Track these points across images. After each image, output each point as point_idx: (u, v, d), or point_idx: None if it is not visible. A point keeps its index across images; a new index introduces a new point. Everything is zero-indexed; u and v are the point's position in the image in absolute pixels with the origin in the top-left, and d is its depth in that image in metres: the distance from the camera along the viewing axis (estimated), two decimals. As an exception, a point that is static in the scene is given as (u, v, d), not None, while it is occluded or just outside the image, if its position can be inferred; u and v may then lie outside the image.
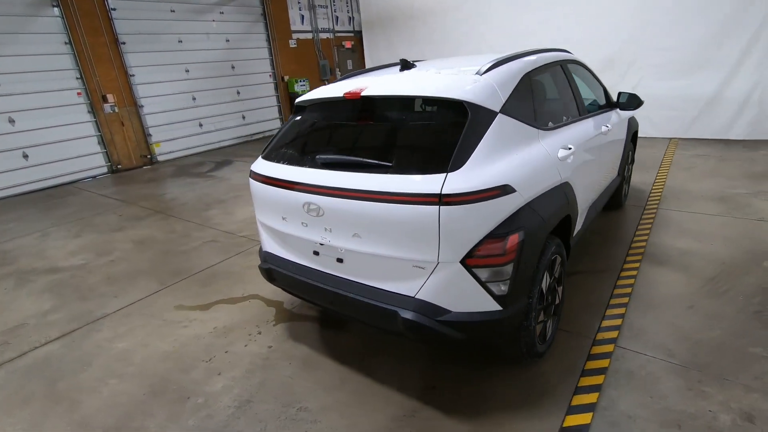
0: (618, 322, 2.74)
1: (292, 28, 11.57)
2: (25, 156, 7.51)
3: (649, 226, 4.10)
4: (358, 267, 2.13)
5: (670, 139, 7.39)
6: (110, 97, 8.42)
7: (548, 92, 2.68)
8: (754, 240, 3.63)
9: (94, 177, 8.33)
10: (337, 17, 12.76)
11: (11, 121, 7.32)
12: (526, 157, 2.08)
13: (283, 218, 2.32)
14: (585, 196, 2.79)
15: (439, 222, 1.78)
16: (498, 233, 1.83)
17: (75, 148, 8.06)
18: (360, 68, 13.54)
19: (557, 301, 2.52)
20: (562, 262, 2.47)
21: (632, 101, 3.46)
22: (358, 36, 13.43)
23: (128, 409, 2.39)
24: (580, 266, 3.45)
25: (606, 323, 2.75)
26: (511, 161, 1.99)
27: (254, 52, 10.84)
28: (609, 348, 2.52)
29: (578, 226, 2.76)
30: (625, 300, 2.97)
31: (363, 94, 2.15)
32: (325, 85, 11.21)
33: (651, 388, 2.22)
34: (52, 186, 7.76)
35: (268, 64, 11.23)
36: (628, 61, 7.34)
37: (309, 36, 12.06)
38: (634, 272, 3.31)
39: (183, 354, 2.83)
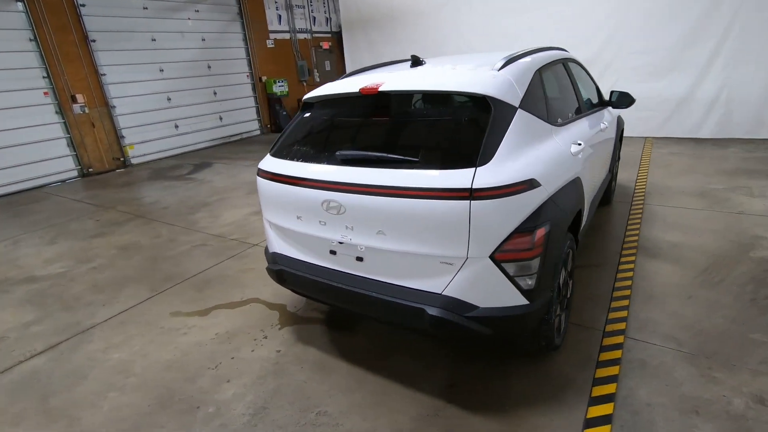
0: (624, 314, 2.81)
1: (270, 27, 11.39)
2: (-12, 159, 7.06)
3: (638, 220, 4.24)
4: (380, 265, 2.09)
5: (645, 138, 7.68)
6: (80, 97, 8.03)
7: (556, 89, 2.72)
8: (737, 232, 3.81)
9: (63, 181, 7.92)
10: (314, 18, 12.65)
11: (-28, 122, 6.87)
12: (545, 152, 2.10)
13: (298, 217, 2.25)
14: (590, 192, 2.85)
15: (470, 217, 1.77)
16: (526, 227, 1.83)
17: (42, 151, 7.63)
18: (337, 69, 13.48)
19: (569, 295, 2.55)
20: (573, 256, 2.50)
21: (624, 99, 3.56)
22: (335, 37, 13.36)
23: (134, 422, 2.26)
24: (578, 261, 3.52)
25: (612, 315, 2.81)
26: (533, 156, 2.00)
27: (231, 52, 10.60)
28: (619, 339, 2.57)
29: (584, 221, 2.81)
30: (627, 292, 3.05)
31: (381, 89, 2.11)
32: (303, 86, 11.00)
33: (665, 376, 2.27)
34: (17, 191, 7.32)
35: (246, 64, 11.00)
36: (605, 63, 7.59)
37: (286, 36, 11.90)
38: (631, 265, 3.41)
39: (186, 362, 2.70)
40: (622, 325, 2.69)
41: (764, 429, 1.92)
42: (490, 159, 1.82)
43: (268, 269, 2.60)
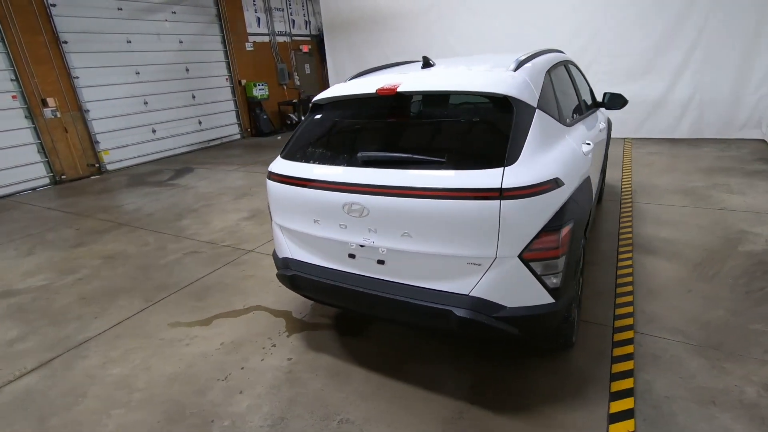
0: (630, 309, 2.87)
1: (249, 30, 11.22)
2: (-48, 167, 6.65)
3: (630, 218, 4.36)
4: (403, 268, 2.06)
5: (624, 138, 7.95)
6: (51, 101, 7.68)
7: (562, 90, 2.77)
8: (723, 227, 3.97)
9: (34, 189, 7.53)
10: (293, 20, 12.54)
11: (-66, 127, 6.46)
12: (563, 152, 2.13)
13: (316, 221, 2.20)
14: (595, 191, 2.91)
15: (500, 216, 1.77)
16: (552, 226, 1.84)
17: (11, 158, 7.24)
18: (317, 72, 13.39)
19: (580, 292, 2.59)
20: (584, 253, 2.54)
21: (617, 101, 3.66)
22: (315, 40, 13.28)
23: (145, 440, 2.15)
24: (578, 259, 3.58)
25: (619, 311, 2.87)
26: (553, 155, 2.02)
27: (209, 55, 10.38)
28: (629, 334, 2.63)
29: (590, 220, 2.86)
30: (630, 288, 3.12)
31: (399, 90, 2.09)
32: (283, 89, 10.87)
33: (678, 369, 2.33)
34: (-15, 200, 6.92)
35: (225, 68, 10.79)
36: (583, 67, 7.79)
37: (266, 39, 11.74)
38: (629, 262, 3.49)
39: (193, 374, 2.59)
40: (629, 321, 2.75)
41: (778, 416, 1.99)
42: (517, 159, 1.83)
43: (279, 275, 2.53)
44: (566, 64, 3.11)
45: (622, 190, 5.23)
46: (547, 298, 1.92)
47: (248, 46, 11.23)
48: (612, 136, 7.99)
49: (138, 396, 2.46)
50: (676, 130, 7.51)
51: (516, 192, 1.75)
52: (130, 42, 8.75)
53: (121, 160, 8.79)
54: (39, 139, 7.59)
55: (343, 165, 2.11)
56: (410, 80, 2.15)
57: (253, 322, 3.09)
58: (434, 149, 2.03)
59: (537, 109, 2.07)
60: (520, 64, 2.28)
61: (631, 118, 7.65)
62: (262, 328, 3.01)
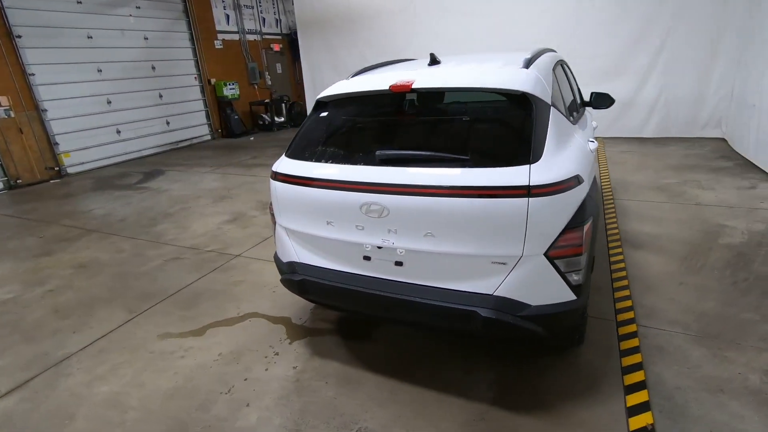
0: (629, 303, 2.94)
1: (217, 28, 10.86)
2: None
3: (614, 214, 4.49)
4: (423, 269, 2.01)
5: (596, 137, 8.22)
6: (3, 100, 7.15)
7: (564, 88, 2.80)
8: (702, 221, 4.16)
9: (-14, 195, 6.97)
10: (263, 18, 12.25)
11: None
12: (575, 149, 2.14)
13: (329, 222, 2.10)
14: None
15: (527, 214, 1.74)
16: (575, 223, 1.84)
17: (-40, 161, 6.68)
18: (289, 72, 13.12)
19: (587, 288, 2.62)
20: None
21: (604, 100, 3.74)
22: (286, 39, 13.02)
23: (149, 462, 1.99)
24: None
25: (619, 305, 2.93)
26: (569, 152, 2.02)
27: (177, 52, 9.96)
28: (633, 328, 2.68)
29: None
30: (625, 282, 3.20)
31: (414, 86, 2.04)
32: (254, 89, 10.60)
33: (684, 360, 2.39)
34: (-70, 207, 6.33)
35: (193, 66, 10.39)
36: (557, 68, 8.03)
37: (235, 37, 11.41)
38: (620, 257, 3.59)
39: (193, 388, 2.44)
40: (630, 314, 2.81)
41: (783, 401, 2.08)
42: (541, 156, 1.82)
43: (285, 280, 2.41)
44: (562, 64, 3.15)
45: (602, 187, 5.40)
46: (570, 295, 1.91)
47: (217, 44, 10.86)
48: (584, 136, 8.32)
49: (133, 415, 2.28)
50: (644, 129, 7.84)
51: (543, 189, 1.74)
52: (91, 38, 8.27)
53: (83, 163, 8.28)
54: (-9, 140, 7.03)
55: (360, 164, 2.03)
56: (424, 77, 2.10)
57: (251, 330, 2.94)
58: (455, 147, 1.99)
59: (551, 107, 2.07)
60: (529, 62, 2.28)
61: (602, 117, 7.91)
62: (262, 335, 2.87)
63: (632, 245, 3.79)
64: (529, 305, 1.88)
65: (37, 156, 7.62)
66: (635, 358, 2.43)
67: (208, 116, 10.81)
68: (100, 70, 8.46)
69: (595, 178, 2.45)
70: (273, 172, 2.33)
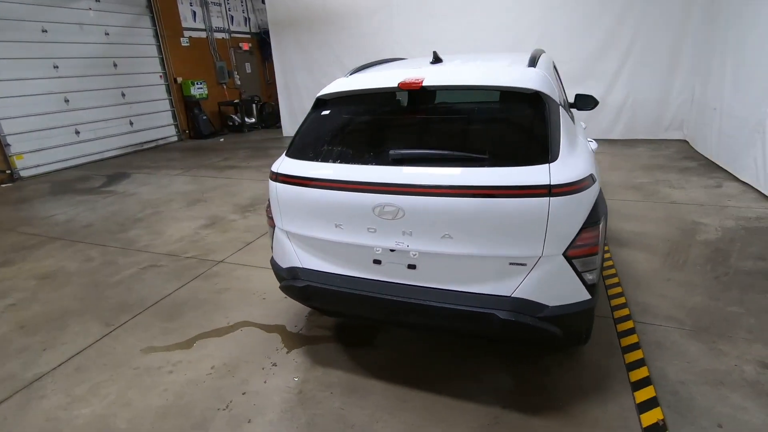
0: (623, 300, 3.00)
1: (184, 25, 10.44)
2: None
3: (595, 213, 4.61)
4: (437, 271, 1.95)
5: (567, 139, 8.47)
6: (-53, 97, 6.55)
7: (559, 88, 2.82)
8: (678, 219, 4.33)
9: (-72, 201, 6.35)
10: (232, 17, 11.90)
11: None
12: (582, 148, 2.14)
13: (338, 225, 2.01)
14: None
15: (548, 214, 1.72)
16: (591, 222, 1.84)
17: None
18: (259, 72, 12.80)
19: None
20: None
21: (588, 102, 3.81)
22: (256, 38, 12.71)
23: (146, 490, 1.82)
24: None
25: (614, 302, 2.98)
26: (579, 151, 2.02)
27: (140, 49, 9.49)
28: (630, 324, 2.73)
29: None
30: (616, 280, 3.27)
31: (424, 84, 1.98)
32: (223, 88, 10.24)
33: (682, 354, 2.45)
34: None
35: (158, 64, 9.94)
36: (530, 71, 8.21)
37: (203, 35, 11.01)
38: (608, 255, 3.67)
39: (186, 406, 2.27)
40: (626, 311, 2.87)
41: (779, 390, 2.16)
42: (558, 155, 1.80)
43: (285, 287, 2.29)
44: (554, 64, 3.19)
45: (581, 187, 5.53)
46: (585, 295, 1.91)
47: (184, 42, 10.44)
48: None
49: (122, 438, 2.10)
50: (613, 131, 8.14)
51: (564, 189, 1.72)
52: (45, 31, 7.73)
53: (38, 166, 7.72)
54: (-68, 141, 6.43)
55: (371, 164, 1.95)
56: (434, 74, 2.05)
57: (244, 340, 2.79)
58: (471, 146, 1.95)
59: (560, 106, 2.07)
60: (533, 61, 2.27)
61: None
62: (256, 346, 2.73)
63: (618, 243, 3.89)
64: (547, 306, 1.86)
65: (-14, 158, 7.05)
66: (637, 354, 2.46)
67: (174, 116, 10.36)
68: (57, 67, 7.93)
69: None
70: (273, 173, 2.21)
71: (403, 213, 1.84)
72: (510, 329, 1.84)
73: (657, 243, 3.85)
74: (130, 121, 9.33)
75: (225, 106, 11.38)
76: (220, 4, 11.48)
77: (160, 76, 9.98)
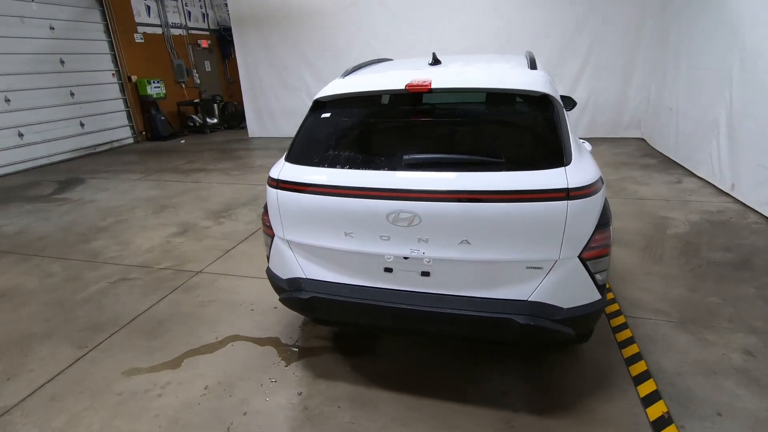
0: (611, 295, 3.09)
1: (137, 20, 9.86)
2: None
3: (571, 211, 4.75)
4: (452, 278, 1.91)
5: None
6: None
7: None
8: (647, 214, 4.54)
9: None
10: (189, 12, 11.37)
11: None
12: (585, 151, 2.18)
13: (348, 234, 1.92)
14: None
15: (566, 217, 1.72)
16: (602, 224, 1.86)
17: None
18: (219, 70, 12.31)
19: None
20: None
21: (568, 103, 3.89)
22: (215, 35, 12.22)
23: None
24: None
25: (603, 298, 3.07)
26: (584, 154, 2.05)
27: (90, 45, 8.87)
28: (621, 319, 2.82)
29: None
30: (601, 276, 3.37)
31: (433, 86, 1.93)
32: (182, 87, 9.82)
33: (674, 346, 2.56)
34: None
35: (110, 61, 9.33)
36: (497, 72, 8.38)
37: (158, 31, 10.45)
38: (590, 251, 3.78)
39: (183, 431, 2.11)
40: (616, 306, 2.96)
41: (764, 377, 2.28)
42: (571, 158, 1.81)
43: (287, 299, 2.18)
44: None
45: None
46: (597, 295, 1.93)
47: (138, 38, 9.86)
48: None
49: (115, 473, 1.91)
50: (576, 129, 8.45)
51: (581, 192, 1.73)
52: (-19, 25, 7.05)
53: (-24, 172, 7.04)
54: None
55: (384, 169, 1.88)
56: (441, 76, 2.01)
57: (236, 356, 2.64)
58: (486, 150, 1.92)
59: (563, 109, 2.09)
60: (533, 64, 2.28)
61: (539, 119, 8.41)
62: (251, 361, 2.59)
63: (596, 239, 4.01)
64: (562, 308, 1.86)
65: None
66: (633, 349, 2.54)
67: (129, 117, 9.77)
68: (-5, 63, 7.25)
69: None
70: (273, 179, 2.09)
71: (419, 219, 1.79)
72: (528, 333, 1.83)
73: (633, 238, 4.01)
74: (81, 122, 8.70)
75: (184, 106, 10.86)
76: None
77: (113, 74, 9.38)
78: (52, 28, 8.09)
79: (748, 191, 4.59)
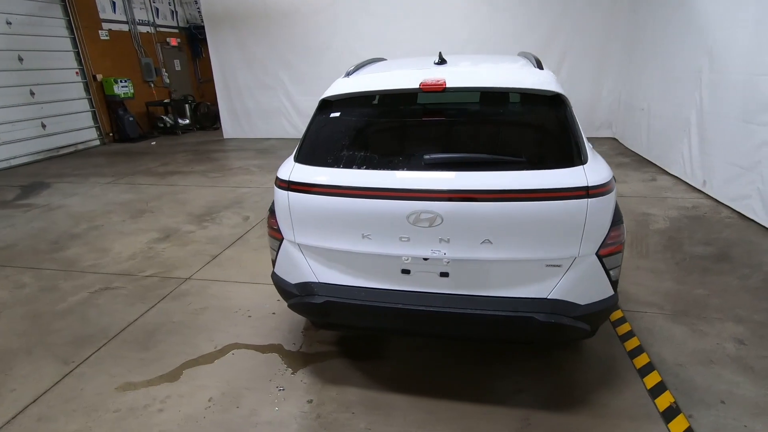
0: (606, 290, 3.17)
1: (102, 16, 9.42)
2: None
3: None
4: (471, 278, 1.90)
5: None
6: None
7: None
8: (629, 211, 4.69)
9: None
10: (156, 9, 10.95)
11: None
12: (594, 150, 2.21)
13: (365, 236, 1.87)
14: None
15: (586, 215, 1.74)
16: (616, 221, 1.90)
17: None
18: (189, 69, 11.91)
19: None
20: None
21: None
22: (185, 33, 11.83)
23: None
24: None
25: (599, 293, 3.14)
26: (594, 153, 2.08)
27: (51, 42, 8.40)
28: (619, 314, 2.89)
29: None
30: (594, 271, 3.46)
31: (447, 85, 1.92)
32: (150, 87, 9.51)
33: (671, 338, 2.64)
34: None
35: (73, 59, 8.87)
36: (475, 73, 8.49)
37: (125, 28, 10.01)
38: (580, 248, 3.88)
39: (191, 447, 2.01)
40: (612, 301, 3.04)
41: (758, 363, 2.40)
42: (587, 156, 1.84)
43: (298, 304, 2.11)
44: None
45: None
46: (610, 291, 1.97)
47: (103, 35, 9.41)
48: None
49: (121, 496, 1.79)
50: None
51: (599, 189, 1.76)
52: (-70, 18, 6.53)
53: (-74, 177, 6.51)
54: None
55: (404, 169, 1.84)
56: (454, 75, 1.99)
57: (239, 365, 2.54)
58: (503, 149, 1.92)
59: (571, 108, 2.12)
60: (539, 64, 2.31)
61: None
62: (254, 370, 2.49)
63: (584, 236, 4.12)
64: (580, 305, 1.89)
65: None
66: (634, 342, 2.61)
67: (95, 118, 9.31)
68: (-54, 60, 6.74)
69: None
70: (283, 180, 2.01)
71: (441, 220, 1.77)
72: (549, 331, 1.85)
73: (619, 234, 4.13)
74: (43, 123, 8.21)
75: (154, 107, 10.45)
76: (143, -5, 10.50)
77: (77, 73, 8.90)
78: (9, 23, 7.60)
79: (719, 188, 4.84)
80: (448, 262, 1.88)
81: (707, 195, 4.99)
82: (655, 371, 2.36)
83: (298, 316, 2.87)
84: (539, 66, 2.28)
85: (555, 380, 2.34)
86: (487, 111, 2.09)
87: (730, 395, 2.19)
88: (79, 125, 8.96)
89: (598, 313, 1.94)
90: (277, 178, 2.09)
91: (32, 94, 8.01)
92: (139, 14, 10.38)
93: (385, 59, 3.25)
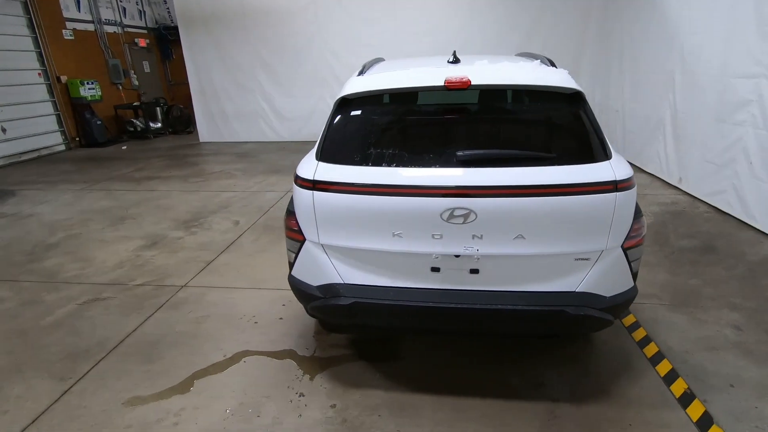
0: (606, 284, 3.27)
1: (65, 14, 8.97)
2: None
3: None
4: (501, 274, 1.91)
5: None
6: None
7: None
8: (614, 208, 4.88)
9: None
10: (124, 8, 10.53)
11: None
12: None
13: (396, 234, 1.85)
14: None
15: (614, 208, 1.79)
16: (638, 214, 1.96)
17: None
18: (159, 71, 11.51)
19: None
20: None
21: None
22: (153, 33, 11.42)
23: None
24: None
25: (600, 287, 3.24)
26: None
27: (10, 41, 7.92)
28: (622, 305, 2.99)
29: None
30: (592, 266, 3.56)
31: (472, 83, 1.92)
32: (119, 89, 9.21)
33: (673, 327, 2.75)
34: None
35: (35, 59, 8.38)
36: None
37: (90, 27, 9.56)
38: (574, 244, 3.99)
39: (215, 461, 1.92)
40: (614, 294, 3.13)
41: (757, 347, 2.53)
42: (610, 151, 1.89)
43: (322, 307, 2.05)
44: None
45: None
46: (631, 282, 2.03)
47: (67, 35, 8.95)
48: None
49: None
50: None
51: (625, 183, 1.81)
52: None
53: None
54: None
55: (436, 166, 1.83)
56: (479, 73, 2.00)
57: (253, 373, 2.45)
58: (533, 145, 1.94)
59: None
60: (552, 62, 2.36)
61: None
62: (271, 377, 2.41)
63: (577, 233, 4.24)
64: (605, 297, 1.93)
65: None
66: (641, 333, 2.70)
67: (60, 121, 8.82)
68: None
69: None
70: (307, 180, 1.95)
71: (475, 216, 1.77)
72: (578, 324, 1.88)
73: (608, 230, 4.28)
74: (2, 127, 7.70)
75: (123, 110, 10.02)
76: (108, -6, 10.07)
77: (39, 74, 8.42)
78: (-36, 21, 7.10)
79: (695, 184, 5.09)
80: (479, 259, 1.88)
81: (684, 191, 5.24)
82: (666, 359, 2.45)
83: (308, 321, 2.82)
84: (553, 65, 2.32)
85: (572, 373, 2.38)
86: (510, 108, 2.12)
87: (737, 378, 2.30)
88: (42, 129, 8.47)
89: (621, 305, 2.00)
90: (298, 177, 2.03)
91: (-9, 96, 7.51)
92: (106, 13, 9.95)
93: (384, 59, 3.24)
